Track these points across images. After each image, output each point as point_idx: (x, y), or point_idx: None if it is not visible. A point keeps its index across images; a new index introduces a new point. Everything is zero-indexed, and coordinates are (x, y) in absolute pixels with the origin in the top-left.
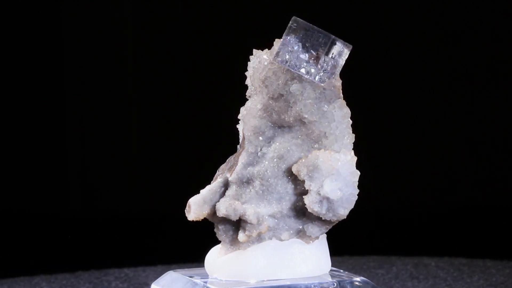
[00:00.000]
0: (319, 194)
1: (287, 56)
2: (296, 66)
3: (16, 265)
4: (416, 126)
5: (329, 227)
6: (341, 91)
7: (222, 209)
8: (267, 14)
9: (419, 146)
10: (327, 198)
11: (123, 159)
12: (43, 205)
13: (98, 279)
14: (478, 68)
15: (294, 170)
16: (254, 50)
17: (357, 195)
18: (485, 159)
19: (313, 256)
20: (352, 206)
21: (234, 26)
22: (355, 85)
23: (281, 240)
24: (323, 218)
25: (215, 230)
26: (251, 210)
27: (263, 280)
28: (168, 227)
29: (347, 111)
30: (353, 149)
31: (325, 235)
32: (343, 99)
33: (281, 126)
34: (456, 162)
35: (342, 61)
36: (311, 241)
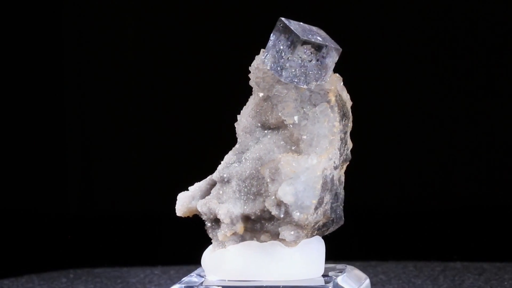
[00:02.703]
0: (276, 198)
1: (271, 58)
2: (278, 68)
3: (15, 265)
4: (415, 126)
5: (303, 232)
6: (332, 94)
7: (198, 207)
8: (275, 14)
9: (419, 146)
10: (282, 202)
11: (123, 159)
12: (43, 205)
13: (98, 280)
14: (478, 67)
15: (261, 172)
16: (262, 50)
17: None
18: (485, 159)
19: (295, 260)
20: (309, 212)
21: (242, 26)
22: (356, 85)
23: (260, 241)
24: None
25: (205, 227)
26: (223, 209)
27: (237, 280)
28: (168, 227)
29: (330, 116)
30: (337, 155)
31: (321, 240)
32: (336, 102)
33: (269, 127)
34: (456, 162)
35: (330, 64)
36: (289, 245)
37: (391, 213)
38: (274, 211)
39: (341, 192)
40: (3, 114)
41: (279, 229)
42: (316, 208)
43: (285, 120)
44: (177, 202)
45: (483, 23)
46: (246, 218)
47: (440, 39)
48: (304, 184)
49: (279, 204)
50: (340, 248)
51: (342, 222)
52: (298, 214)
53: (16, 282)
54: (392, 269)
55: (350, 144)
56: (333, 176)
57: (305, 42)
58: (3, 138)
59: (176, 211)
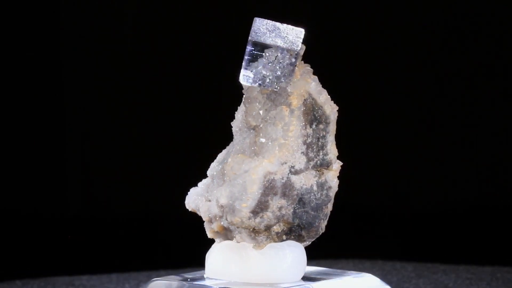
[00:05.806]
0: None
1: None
2: (242, 69)
3: (14, 266)
4: (415, 127)
5: (261, 236)
6: (294, 98)
7: (191, 204)
8: (276, 14)
9: (419, 146)
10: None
11: (123, 159)
12: (43, 206)
13: (99, 281)
14: (478, 66)
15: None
16: None
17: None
18: (485, 159)
19: (265, 263)
20: (242, 215)
21: (241, 25)
22: (356, 86)
23: (237, 241)
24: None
25: None
26: (204, 207)
27: (211, 279)
28: (168, 227)
29: (286, 119)
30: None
31: (298, 245)
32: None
33: (251, 128)
34: (456, 163)
35: (291, 65)
36: (255, 248)
37: (391, 213)
38: (218, 213)
39: (320, 197)
40: (3, 114)
41: (239, 230)
42: (256, 212)
43: (250, 121)
44: (186, 197)
45: (483, 23)
46: (221, 217)
47: (440, 39)
48: (240, 187)
49: (222, 206)
50: (340, 248)
51: (314, 228)
52: (230, 217)
53: (14, 284)
54: (391, 269)
55: (331, 149)
56: (289, 180)
57: (254, 43)
58: (3, 138)
59: (186, 206)
